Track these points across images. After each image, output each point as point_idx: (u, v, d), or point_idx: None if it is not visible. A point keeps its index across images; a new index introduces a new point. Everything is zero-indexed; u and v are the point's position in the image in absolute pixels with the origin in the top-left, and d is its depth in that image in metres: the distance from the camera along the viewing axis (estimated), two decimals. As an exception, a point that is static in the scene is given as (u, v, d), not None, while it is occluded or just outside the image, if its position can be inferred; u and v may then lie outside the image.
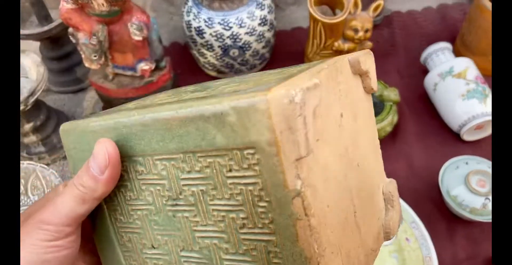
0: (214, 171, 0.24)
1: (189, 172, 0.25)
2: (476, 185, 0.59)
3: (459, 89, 0.68)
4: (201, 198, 0.25)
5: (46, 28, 0.70)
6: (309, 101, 0.21)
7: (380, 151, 0.32)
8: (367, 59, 0.28)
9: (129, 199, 0.28)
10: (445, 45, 0.75)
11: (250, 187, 0.23)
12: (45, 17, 0.73)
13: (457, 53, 0.81)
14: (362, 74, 0.28)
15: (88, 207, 0.27)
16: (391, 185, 0.31)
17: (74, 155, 0.29)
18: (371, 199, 0.29)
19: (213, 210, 0.25)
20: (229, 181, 0.23)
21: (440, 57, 0.74)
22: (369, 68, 0.28)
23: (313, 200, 0.21)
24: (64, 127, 0.29)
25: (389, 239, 0.30)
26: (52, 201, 0.27)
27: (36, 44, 0.81)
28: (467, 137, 0.69)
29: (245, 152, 0.22)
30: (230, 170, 0.23)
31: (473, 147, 0.69)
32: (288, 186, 0.21)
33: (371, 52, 0.29)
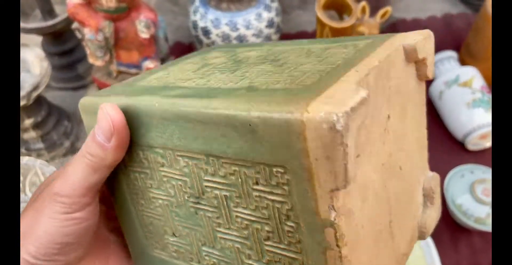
0: (240, 180, 0.22)
1: (212, 175, 0.23)
2: (481, 194, 0.58)
3: (465, 97, 0.68)
4: (225, 203, 0.23)
5: (50, 22, 0.69)
6: (353, 124, 0.18)
7: (426, 141, 0.29)
8: (426, 44, 0.24)
9: (149, 186, 0.26)
10: (451, 54, 0.75)
11: (278, 205, 0.21)
12: (49, 12, 0.72)
13: (462, 62, 0.81)
14: (418, 62, 0.25)
15: (100, 176, 0.26)
16: (434, 180, 0.28)
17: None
18: (410, 199, 0.27)
19: (236, 216, 0.23)
20: (255, 193, 0.21)
21: (445, 66, 0.74)
22: (428, 54, 0.25)
23: (347, 228, 0.19)
24: (84, 102, 0.27)
25: (424, 239, 0.29)
26: (63, 172, 0.26)
27: (38, 39, 0.80)
28: (471, 146, 0.69)
29: (274, 169, 0.20)
30: (257, 183, 0.21)
31: (477, 157, 0.69)
32: (320, 215, 0.19)
33: (431, 34, 0.25)
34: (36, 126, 0.67)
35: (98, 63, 0.66)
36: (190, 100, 0.22)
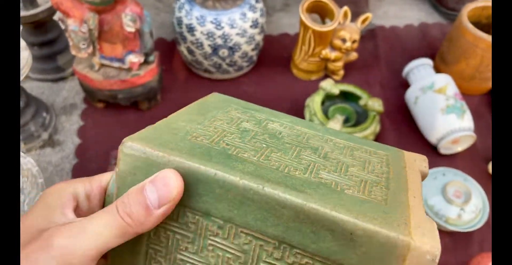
0: None
1: (277, 259, 0.23)
2: (452, 196, 0.61)
3: (439, 103, 0.71)
4: None
5: (32, 12, 0.68)
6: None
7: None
8: (424, 163, 0.31)
9: (183, 249, 0.25)
10: (427, 61, 0.78)
11: None
12: (30, 1, 0.71)
13: (436, 69, 0.85)
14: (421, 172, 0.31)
15: (122, 242, 0.23)
16: None
17: (128, 181, 0.25)
18: None
19: None
20: None
21: (421, 72, 0.77)
22: (426, 168, 0.31)
23: None
24: (132, 148, 0.25)
25: None
26: (76, 227, 0.22)
27: (17, 28, 0.78)
28: (443, 150, 0.72)
29: None
30: None
31: (448, 160, 0.72)
32: None
33: (426, 159, 0.32)
34: (13, 117, 0.66)
35: (81, 55, 0.65)
36: (284, 189, 0.23)
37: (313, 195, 0.23)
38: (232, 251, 0.24)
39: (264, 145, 0.27)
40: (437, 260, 0.21)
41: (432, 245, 0.21)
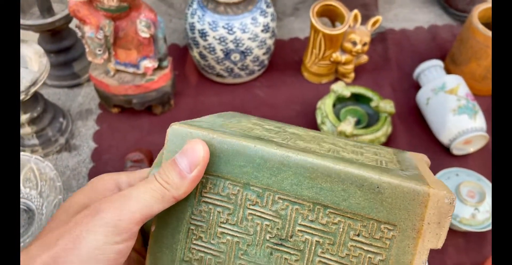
0: (340, 230, 0.26)
1: (312, 221, 0.26)
2: (466, 196, 0.61)
3: (451, 104, 0.71)
4: (313, 247, 0.26)
5: (49, 20, 0.70)
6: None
7: None
8: (424, 157, 0.35)
9: (224, 222, 0.28)
10: (437, 63, 0.78)
11: (371, 255, 0.25)
12: (47, 9, 0.73)
13: (447, 71, 0.85)
14: None
15: (164, 207, 0.26)
16: None
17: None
18: None
19: (319, 261, 0.26)
20: (351, 243, 0.26)
21: (432, 74, 0.77)
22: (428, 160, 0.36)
23: None
24: (178, 129, 0.28)
25: None
26: (122, 195, 0.25)
27: (35, 36, 0.80)
28: (456, 151, 0.72)
29: (383, 226, 0.25)
30: (358, 235, 0.26)
31: (461, 161, 0.72)
32: None
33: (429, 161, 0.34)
34: (31, 122, 0.67)
35: (97, 61, 0.66)
36: (314, 156, 0.26)
37: (340, 160, 0.26)
38: (270, 218, 0.27)
39: (288, 137, 0.31)
40: (454, 204, 0.24)
41: (448, 191, 0.25)
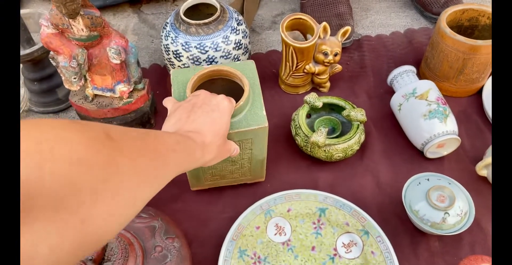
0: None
1: None
2: (436, 201, 0.62)
3: (421, 109, 0.72)
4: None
5: (28, 51, 0.73)
6: None
7: None
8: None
9: None
10: (410, 68, 0.80)
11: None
12: (27, 40, 0.76)
13: (422, 75, 0.86)
14: None
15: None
16: None
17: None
18: None
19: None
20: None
21: (405, 79, 0.78)
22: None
23: None
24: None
25: None
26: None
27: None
28: (430, 154, 0.73)
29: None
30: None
31: (435, 164, 0.73)
32: None
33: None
34: (16, 150, 0.70)
35: (73, 88, 0.69)
36: None
37: None
38: None
39: None
40: None
41: None
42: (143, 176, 0.35)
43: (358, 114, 0.71)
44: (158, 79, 0.89)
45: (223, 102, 0.53)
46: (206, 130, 0.49)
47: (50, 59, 0.67)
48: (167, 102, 0.58)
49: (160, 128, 0.82)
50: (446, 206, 0.61)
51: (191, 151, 0.46)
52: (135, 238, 0.56)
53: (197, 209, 0.70)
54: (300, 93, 0.86)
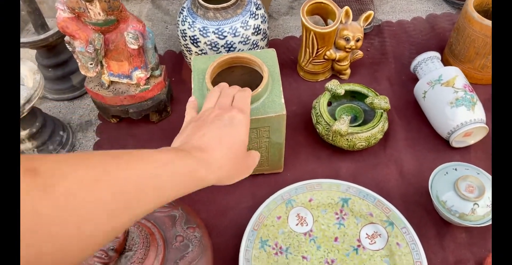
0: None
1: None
2: (465, 191, 0.60)
3: (448, 97, 0.70)
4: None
5: (42, 36, 0.71)
6: None
7: None
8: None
9: None
10: (434, 54, 0.77)
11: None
12: (41, 26, 0.74)
13: (445, 62, 0.83)
14: None
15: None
16: None
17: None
18: None
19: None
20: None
21: (429, 66, 0.76)
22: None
23: None
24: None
25: None
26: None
27: (32, 52, 0.82)
28: (455, 144, 0.70)
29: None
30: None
31: (461, 154, 0.71)
32: None
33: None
34: (31, 137, 0.69)
35: (90, 74, 0.68)
36: None
37: None
38: None
39: None
40: None
41: None
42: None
43: (381, 101, 0.69)
44: (174, 66, 0.87)
45: (237, 115, 0.48)
46: (214, 146, 0.44)
47: (66, 44, 0.65)
48: (188, 113, 0.55)
49: (176, 116, 0.81)
50: (475, 197, 0.59)
51: (190, 170, 0.40)
52: (155, 228, 0.54)
53: (215, 199, 0.69)
54: (319, 80, 0.84)
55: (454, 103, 0.69)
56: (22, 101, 0.62)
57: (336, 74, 0.84)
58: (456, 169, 0.63)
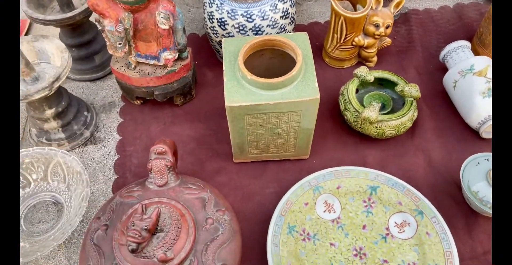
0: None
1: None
2: (497, 181, 0.59)
3: (480, 87, 0.68)
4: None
5: (69, 14, 0.70)
6: None
7: None
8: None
9: None
10: (465, 43, 0.76)
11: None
12: (67, 4, 0.73)
13: (474, 52, 0.82)
14: None
15: None
16: None
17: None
18: None
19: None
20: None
21: (460, 55, 0.75)
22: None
23: None
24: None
25: None
26: None
27: (55, 32, 0.81)
28: (485, 135, 0.69)
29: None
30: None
31: (490, 145, 0.70)
32: None
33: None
34: (56, 116, 0.69)
35: (118, 54, 0.67)
36: None
37: None
38: None
39: None
40: None
41: None
42: None
43: (412, 90, 0.68)
44: (198, 49, 0.86)
45: None
46: None
47: (96, 23, 0.64)
48: None
49: (200, 99, 0.80)
50: (508, 188, 0.58)
51: None
52: (186, 210, 0.54)
53: (241, 183, 0.68)
54: (345, 67, 0.83)
55: (487, 93, 0.68)
56: (51, 79, 0.61)
57: (362, 62, 0.83)
58: (488, 160, 0.62)
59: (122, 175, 0.70)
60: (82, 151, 0.73)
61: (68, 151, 0.71)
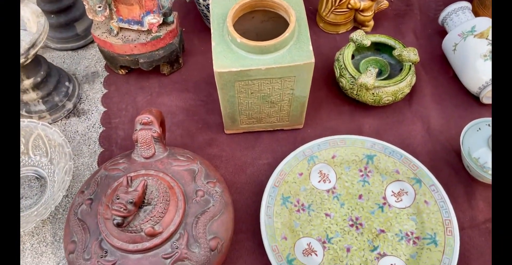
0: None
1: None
2: (498, 147, 0.57)
3: (481, 49, 0.65)
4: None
5: (44, -23, 0.65)
6: None
7: None
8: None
9: None
10: (465, 4, 0.72)
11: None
12: (42, -34, 0.68)
13: (474, 14, 0.78)
14: None
15: None
16: None
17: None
18: None
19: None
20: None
21: (460, 17, 0.71)
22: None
23: None
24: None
25: None
26: None
27: (32, -3, 0.75)
28: (486, 100, 0.67)
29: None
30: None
31: (490, 110, 0.67)
32: None
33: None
34: (36, 87, 0.65)
35: (98, 18, 0.62)
36: None
37: None
38: None
39: None
40: None
41: None
42: None
43: (410, 53, 0.65)
44: (185, 14, 0.81)
45: None
46: None
47: (72, -16, 0.59)
48: None
49: (188, 68, 0.76)
50: (510, 154, 0.56)
51: None
52: (174, 182, 0.51)
53: (233, 154, 0.66)
54: (340, 32, 0.79)
55: (488, 55, 0.64)
56: (26, 46, 0.57)
57: (358, 26, 0.79)
58: (489, 125, 0.60)
59: (107, 148, 0.67)
60: (65, 123, 0.69)
61: (50, 124, 0.68)
